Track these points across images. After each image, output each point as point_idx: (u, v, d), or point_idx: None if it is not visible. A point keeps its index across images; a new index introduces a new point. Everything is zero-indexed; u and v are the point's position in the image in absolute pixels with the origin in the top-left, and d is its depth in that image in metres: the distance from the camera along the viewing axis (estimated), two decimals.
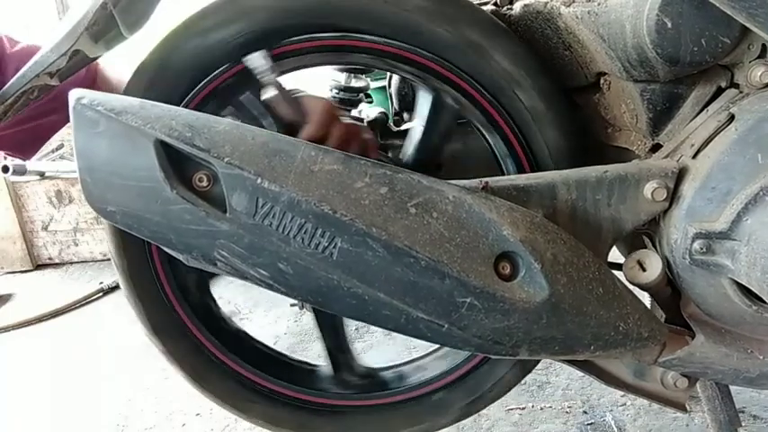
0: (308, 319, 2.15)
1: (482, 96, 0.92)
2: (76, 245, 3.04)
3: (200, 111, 0.89)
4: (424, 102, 1.00)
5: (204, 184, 0.72)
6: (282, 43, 0.91)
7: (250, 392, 1.05)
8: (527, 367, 1.05)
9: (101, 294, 2.63)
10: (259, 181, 0.70)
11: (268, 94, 0.93)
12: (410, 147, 1.04)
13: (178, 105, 0.89)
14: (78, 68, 0.94)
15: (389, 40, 0.90)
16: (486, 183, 0.79)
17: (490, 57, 0.91)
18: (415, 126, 1.03)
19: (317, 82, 1.39)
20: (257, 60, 0.90)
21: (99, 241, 2.98)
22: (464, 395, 1.06)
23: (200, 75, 0.91)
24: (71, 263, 3.06)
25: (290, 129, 0.96)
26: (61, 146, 2.86)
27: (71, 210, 2.99)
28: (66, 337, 2.30)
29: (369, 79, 1.37)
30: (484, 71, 0.91)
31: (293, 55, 0.92)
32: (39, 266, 3.07)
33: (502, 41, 0.92)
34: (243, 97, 0.94)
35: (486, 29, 0.91)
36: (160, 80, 0.91)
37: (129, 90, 0.92)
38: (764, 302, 0.72)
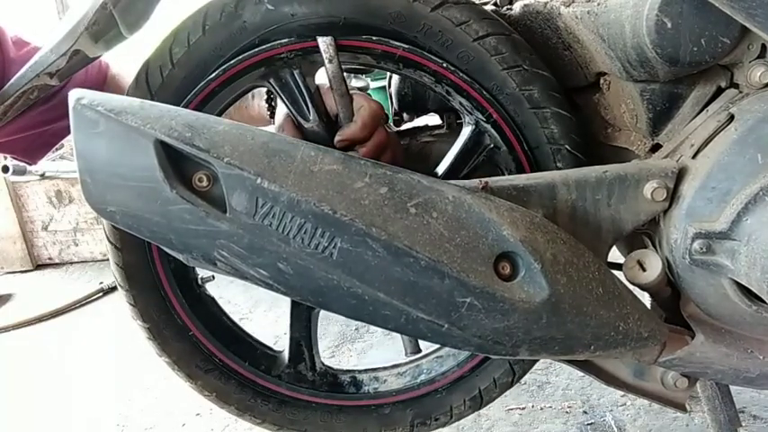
0: None
1: None
2: (77, 245, 3.04)
3: (249, 73, 0.92)
4: None
5: (204, 184, 0.72)
6: (352, 38, 0.91)
7: (204, 360, 1.04)
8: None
9: (101, 294, 2.63)
10: (259, 181, 0.70)
11: (323, 80, 0.93)
12: None
13: (239, 55, 0.90)
14: (78, 68, 0.94)
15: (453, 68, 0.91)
16: (486, 183, 0.79)
17: None
18: None
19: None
20: (324, 44, 0.90)
21: (99, 241, 2.98)
22: (413, 413, 1.07)
23: (270, 36, 0.90)
24: (71, 263, 3.06)
25: (328, 120, 0.96)
26: (61, 146, 2.86)
27: (71, 210, 2.99)
28: (66, 338, 2.30)
29: (369, 79, 1.37)
30: None
31: (356, 51, 0.92)
32: (39, 266, 3.08)
33: None
34: (291, 75, 0.93)
35: None
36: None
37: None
38: (764, 302, 0.72)
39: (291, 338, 1.09)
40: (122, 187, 0.73)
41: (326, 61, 0.90)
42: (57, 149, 2.86)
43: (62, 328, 2.39)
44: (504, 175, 0.96)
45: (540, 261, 0.72)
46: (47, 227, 3.01)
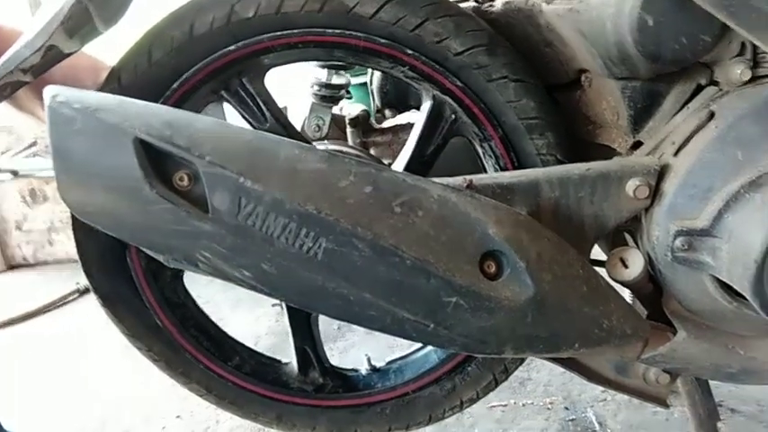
0: None
1: None
2: (51, 245, 2.99)
3: None
4: None
5: (185, 183, 0.71)
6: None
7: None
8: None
9: (77, 295, 2.58)
10: (242, 180, 0.68)
11: None
12: None
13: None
14: (53, 64, 0.92)
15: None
16: (471, 181, 0.79)
17: None
18: None
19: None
20: None
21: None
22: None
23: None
24: (46, 263, 3.01)
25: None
26: (34, 143, 2.81)
27: (46, 209, 2.94)
28: (41, 340, 2.26)
29: (349, 76, 1.37)
30: None
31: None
32: (12, 267, 3.02)
33: None
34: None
35: None
36: None
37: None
38: (745, 299, 0.73)
39: (296, 347, 1.08)
40: (101, 187, 0.71)
41: None
42: (30, 147, 2.81)
43: (37, 330, 2.35)
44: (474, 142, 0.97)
45: (525, 259, 0.72)
46: (20, 226, 2.95)
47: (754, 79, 0.76)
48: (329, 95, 1.33)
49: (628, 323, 0.78)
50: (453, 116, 0.95)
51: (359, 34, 0.88)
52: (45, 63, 0.88)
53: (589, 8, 0.79)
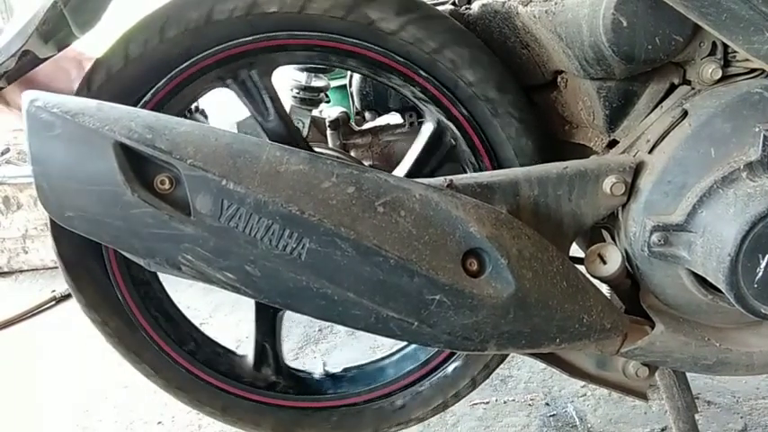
0: None
1: None
2: (26, 252, 2.93)
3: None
4: None
5: (166, 186, 0.71)
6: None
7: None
8: None
9: (53, 303, 2.54)
10: (224, 182, 0.68)
11: None
12: None
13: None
14: (28, 70, 0.91)
15: None
16: (451, 181, 0.79)
17: None
18: None
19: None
20: None
21: (50, 248, 2.89)
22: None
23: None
24: (21, 271, 2.95)
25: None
26: (7, 150, 2.76)
27: (20, 216, 2.88)
28: (17, 348, 2.22)
29: (328, 78, 1.37)
30: None
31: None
32: None
33: None
34: None
35: None
36: None
37: None
38: (720, 292, 0.75)
39: (256, 341, 1.08)
40: (81, 191, 0.71)
41: None
42: (2, 154, 2.76)
43: (12, 339, 2.31)
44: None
45: (507, 257, 0.73)
46: None
47: (725, 78, 0.78)
48: (309, 98, 1.33)
49: (607, 318, 0.79)
50: (453, 142, 0.97)
51: (378, 48, 0.89)
52: (20, 68, 0.87)
53: (564, 10, 0.80)
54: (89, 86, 0.89)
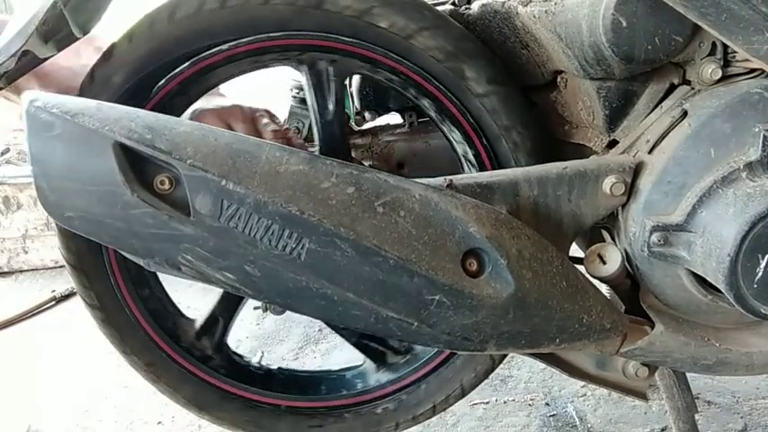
0: (270, 322, 2.12)
1: None
2: (26, 252, 2.93)
3: None
4: None
5: (166, 186, 0.71)
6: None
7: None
8: None
9: (53, 303, 2.54)
10: (223, 183, 0.68)
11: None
12: None
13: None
14: (28, 70, 0.91)
15: None
16: (451, 181, 0.79)
17: None
18: None
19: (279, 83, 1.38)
20: None
21: (50, 248, 2.89)
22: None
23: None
24: (21, 271, 2.95)
25: None
26: (7, 150, 2.76)
27: (20, 216, 2.88)
28: (17, 348, 2.22)
29: None
30: None
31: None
32: None
33: None
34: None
35: None
36: None
37: None
38: (719, 292, 0.75)
39: (211, 311, 1.07)
40: (81, 192, 0.70)
41: None
42: (2, 154, 2.76)
43: (12, 339, 2.31)
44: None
45: (506, 257, 0.73)
46: None
47: (724, 78, 0.78)
48: None
49: (607, 318, 0.79)
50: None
51: (457, 102, 0.94)
52: (19, 69, 0.87)
53: (564, 10, 0.80)
54: None
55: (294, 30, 0.89)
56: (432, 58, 0.91)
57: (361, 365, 1.13)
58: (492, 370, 1.07)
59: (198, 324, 1.07)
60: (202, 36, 0.88)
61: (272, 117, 1.07)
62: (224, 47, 0.90)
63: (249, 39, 0.89)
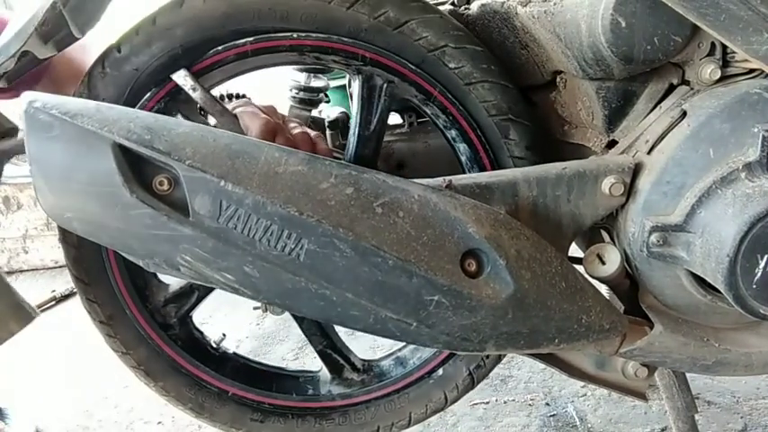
0: (270, 322, 2.13)
1: None
2: (26, 252, 2.94)
3: None
4: None
5: (165, 187, 0.71)
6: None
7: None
8: None
9: (53, 303, 2.55)
10: (222, 183, 0.68)
11: (204, 109, 0.94)
12: None
13: None
14: (27, 70, 0.91)
15: None
16: (450, 181, 0.79)
17: None
18: None
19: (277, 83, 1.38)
20: (181, 78, 0.90)
21: (50, 248, 2.89)
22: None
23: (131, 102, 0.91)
24: (21, 271, 2.96)
25: None
26: None
27: (20, 216, 2.89)
28: (17, 348, 2.22)
29: (328, 79, 1.37)
30: None
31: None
32: None
33: None
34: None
35: None
36: None
37: None
38: (718, 292, 0.75)
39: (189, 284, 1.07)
40: (80, 192, 0.71)
41: (191, 92, 0.90)
42: None
43: (12, 339, 2.31)
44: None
45: (505, 257, 0.73)
46: None
47: (724, 78, 0.78)
48: (308, 98, 1.33)
49: (606, 318, 0.79)
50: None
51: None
52: (19, 69, 0.87)
53: (563, 10, 0.80)
54: None
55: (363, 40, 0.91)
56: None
57: (317, 372, 1.13)
58: (442, 409, 1.09)
59: (168, 292, 1.05)
60: (277, 17, 0.89)
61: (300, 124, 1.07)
62: (293, 35, 0.90)
63: (319, 36, 0.90)
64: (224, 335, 1.18)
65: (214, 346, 1.11)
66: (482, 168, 0.96)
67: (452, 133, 0.96)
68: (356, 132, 0.95)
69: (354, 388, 1.09)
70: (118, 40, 0.91)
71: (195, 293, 1.06)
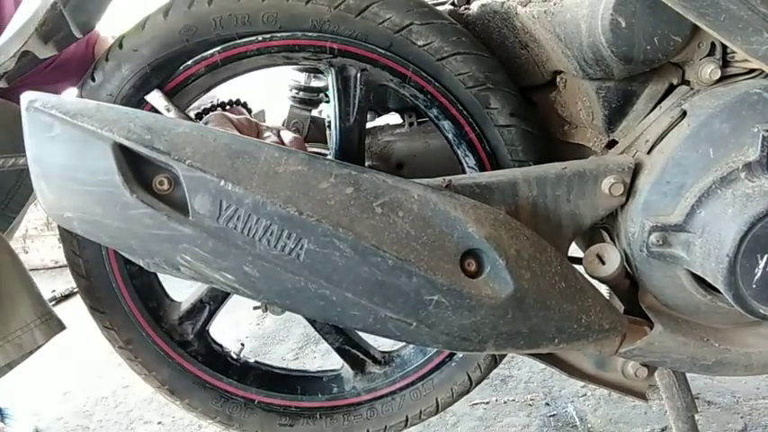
0: (270, 321, 2.13)
1: None
2: (26, 252, 2.94)
3: None
4: None
5: (165, 187, 0.71)
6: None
7: None
8: None
9: (53, 303, 2.54)
10: (222, 183, 0.69)
11: None
12: None
13: None
14: (27, 70, 0.91)
15: None
16: (450, 181, 0.79)
17: None
18: None
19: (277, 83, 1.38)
20: (155, 100, 0.91)
21: (50, 248, 2.89)
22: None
23: None
24: None
25: None
26: None
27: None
28: None
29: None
30: None
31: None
32: None
33: None
34: None
35: None
36: None
37: None
38: (718, 292, 0.75)
39: (201, 297, 1.07)
40: (80, 192, 0.71)
41: (165, 112, 0.90)
42: None
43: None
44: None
45: (505, 257, 0.73)
46: None
47: (724, 78, 0.79)
48: (308, 98, 1.33)
49: (606, 318, 0.79)
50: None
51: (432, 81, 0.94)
52: (19, 69, 0.87)
53: (563, 10, 0.80)
54: None
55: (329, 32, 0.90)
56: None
57: (339, 370, 1.13)
58: (468, 391, 1.10)
59: (183, 308, 1.06)
60: (239, 23, 0.89)
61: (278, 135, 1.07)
62: (258, 38, 0.90)
63: (284, 34, 0.90)
64: (242, 344, 1.18)
65: (234, 356, 1.11)
66: (470, 144, 0.95)
67: (434, 112, 0.96)
68: (337, 125, 0.95)
69: (378, 381, 1.09)
70: (90, 70, 0.93)
71: (207, 308, 1.06)
